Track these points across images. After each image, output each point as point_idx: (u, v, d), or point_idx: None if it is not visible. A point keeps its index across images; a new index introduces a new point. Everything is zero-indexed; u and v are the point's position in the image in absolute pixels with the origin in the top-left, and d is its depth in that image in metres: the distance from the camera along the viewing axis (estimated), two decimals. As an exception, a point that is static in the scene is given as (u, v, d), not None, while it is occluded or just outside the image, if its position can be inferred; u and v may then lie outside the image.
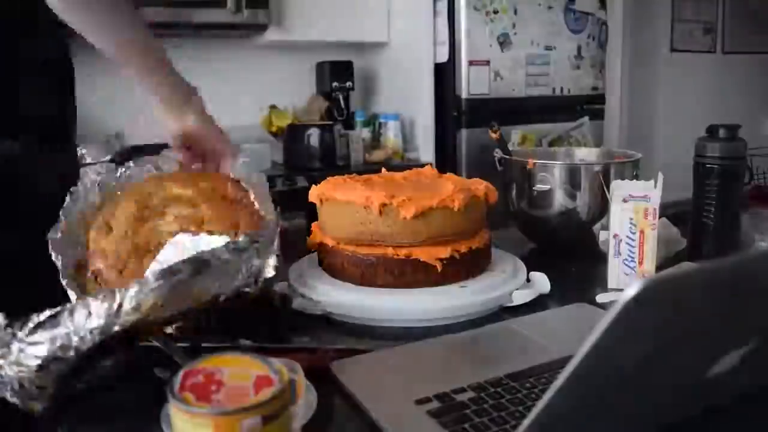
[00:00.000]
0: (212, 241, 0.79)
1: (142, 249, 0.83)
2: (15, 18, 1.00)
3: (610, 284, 0.98)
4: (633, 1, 3.25)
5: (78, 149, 2.44)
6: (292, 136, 2.70)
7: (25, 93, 1.02)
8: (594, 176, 1.12)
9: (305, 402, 0.60)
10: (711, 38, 3.66)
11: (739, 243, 1.05)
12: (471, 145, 2.60)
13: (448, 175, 1.04)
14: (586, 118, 2.86)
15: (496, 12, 2.56)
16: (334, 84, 2.83)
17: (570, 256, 1.15)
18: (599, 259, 1.06)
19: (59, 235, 0.83)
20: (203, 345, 0.74)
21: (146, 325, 0.65)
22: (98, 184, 0.92)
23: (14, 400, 0.62)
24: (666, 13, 3.49)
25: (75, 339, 0.59)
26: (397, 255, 0.90)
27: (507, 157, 1.23)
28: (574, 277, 1.06)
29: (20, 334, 0.59)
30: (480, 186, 0.96)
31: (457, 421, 0.59)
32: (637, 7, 3.30)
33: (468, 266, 0.94)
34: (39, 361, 0.59)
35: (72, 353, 0.60)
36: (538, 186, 1.16)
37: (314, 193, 0.98)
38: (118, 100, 2.74)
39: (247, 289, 0.74)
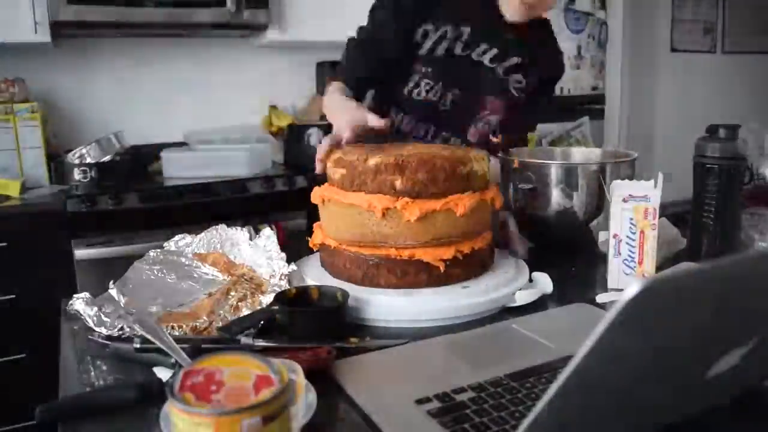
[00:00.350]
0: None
1: None
2: None
3: (610, 284, 0.98)
4: (633, 1, 3.25)
5: (79, 149, 2.44)
6: (292, 136, 2.70)
7: None
8: (591, 175, 1.12)
9: (305, 402, 0.60)
10: (711, 38, 3.66)
11: (739, 243, 1.05)
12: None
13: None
14: (586, 118, 2.86)
15: (496, 12, 2.55)
16: (334, 84, 2.83)
17: (570, 256, 1.15)
18: (599, 259, 1.06)
19: None
20: (203, 345, 0.74)
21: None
22: None
23: None
24: (666, 13, 3.49)
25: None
26: (400, 256, 0.90)
27: (506, 156, 1.23)
28: (574, 277, 1.06)
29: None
30: (489, 193, 0.96)
31: (457, 421, 0.59)
32: (637, 7, 3.30)
33: (471, 267, 0.94)
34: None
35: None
36: (521, 185, 1.16)
37: (316, 194, 0.98)
38: (118, 100, 2.74)
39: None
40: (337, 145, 1.04)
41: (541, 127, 2.72)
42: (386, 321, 0.87)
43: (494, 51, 1.31)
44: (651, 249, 0.95)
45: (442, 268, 0.90)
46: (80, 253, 2.13)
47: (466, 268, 0.93)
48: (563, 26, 2.74)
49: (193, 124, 2.78)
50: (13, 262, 2.08)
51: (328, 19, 2.63)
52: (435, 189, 0.89)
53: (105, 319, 0.82)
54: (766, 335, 0.52)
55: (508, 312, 0.90)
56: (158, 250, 1.04)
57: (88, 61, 2.68)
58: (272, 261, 0.99)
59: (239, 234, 1.07)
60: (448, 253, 0.90)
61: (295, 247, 1.08)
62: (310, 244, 1.01)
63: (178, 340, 0.71)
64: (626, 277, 0.97)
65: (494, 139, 1.34)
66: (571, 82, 2.81)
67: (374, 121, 1.09)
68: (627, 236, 0.96)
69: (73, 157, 2.39)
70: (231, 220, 2.31)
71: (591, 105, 2.88)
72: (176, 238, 1.08)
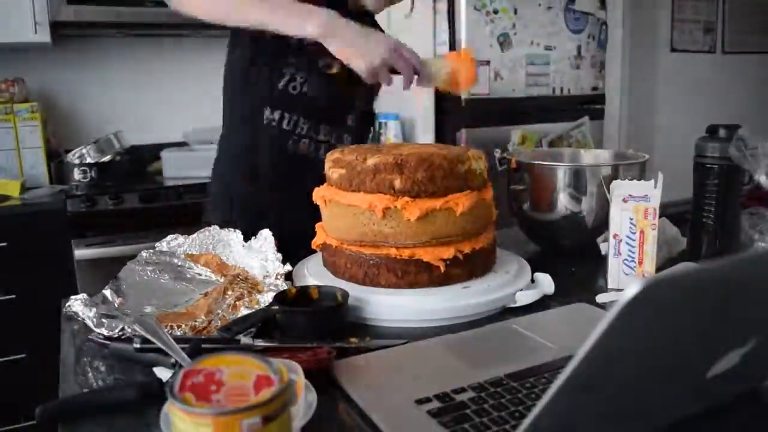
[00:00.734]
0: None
1: None
2: None
3: (610, 284, 0.98)
4: (633, 1, 3.25)
5: (79, 149, 2.44)
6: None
7: None
8: (601, 179, 1.10)
9: (305, 402, 0.60)
10: (711, 38, 3.65)
11: (739, 243, 1.05)
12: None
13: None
14: (586, 118, 2.86)
15: (496, 12, 2.55)
16: (334, 84, 2.82)
17: (570, 256, 1.15)
18: (599, 259, 1.06)
19: None
20: (203, 345, 0.74)
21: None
22: None
23: None
24: (666, 13, 3.49)
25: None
26: (401, 255, 0.90)
27: (507, 157, 1.22)
28: (574, 278, 1.06)
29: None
30: (488, 192, 0.96)
31: (457, 421, 0.59)
32: (637, 7, 3.30)
33: (472, 266, 0.93)
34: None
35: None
36: (513, 186, 1.16)
37: (317, 195, 0.98)
38: (118, 100, 2.74)
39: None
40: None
41: (541, 127, 2.72)
42: (387, 320, 0.87)
43: None
44: (651, 249, 0.95)
45: (442, 268, 0.90)
46: (80, 253, 2.13)
47: (467, 267, 0.93)
48: (563, 26, 2.74)
49: (193, 124, 2.78)
50: (13, 262, 2.08)
51: (328, 19, 2.62)
52: (434, 188, 0.89)
53: (103, 320, 0.82)
54: (766, 335, 0.52)
55: (508, 312, 0.90)
56: (150, 250, 1.04)
57: (88, 61, 2.68)
58: (267, 263, 0.99)
59: (232, 235, 1.07)
60: (448, 252, 0.90)
61: (295, 247, 1.08)
62: (313, 245, 1.01)
63: (178, 340, 0.71)
64: (626, 277, 0.97)
65: (504, 154, 1.31)
66: (571, 82, 2.81)
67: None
68: (627, 236, 0.96)
69: (73, 157, 2.39)
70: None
71: (591, 105, 2.87)
72: (168, 238, 1.08)
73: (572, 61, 2.80)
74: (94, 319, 0.83)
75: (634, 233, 0.95)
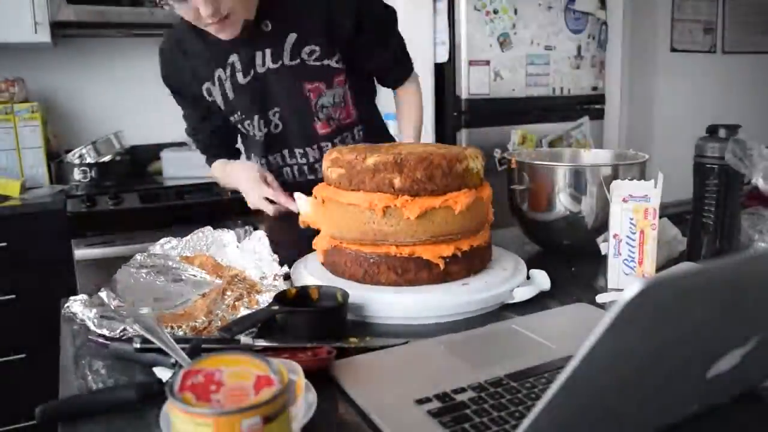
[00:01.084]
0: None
1: None
2: None
3: (610, 284, 0.98)
4: (633, 1, 3.25)
5: (79, 149, 2.44)
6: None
7: None
8: (601, 179, 1.10)
9: (305, 402, 0.60)
10: (711, 38, 3.65)
11: (738, 243, 1.05)
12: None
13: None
14: (586, 118, 2.86)
15: (496, 12, 2.55)
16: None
17: (570, 256, 1.15)
18: (599, 259, 1.06)
19: None
20: (203, 345, 0.74)
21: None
22: None
23: None
24: (666, 13, 3.49)
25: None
26: (400, 253, 0.90)
27: (507, 157, 1.22)
28: (574, 277, 1.06)
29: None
30: (485, 190, 0.97)
31: (457, 421, 0.59)
32: (637, 7, 3.30)
33: (470, 264, 0.94)
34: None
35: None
36: (513, 186, 1.16)
37: (316, 194, 0.98)
38: (118, 100, 2.74)
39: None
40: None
41: (541, 127, 2.72)
42: (387, 318, 0.87)
43: (268, 52, 1.24)
44: (651, 249, 0.95)
45: (441, 266, 0.90)
46: (80, 253, 2.13)
47: (466, 265, 0.93)
48: (563, 26, 2.74)
49: (193, 124, 2.77)
50: (13, 262, 2.08)
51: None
52: (433, 186, 0.89)
53: (103, 320, 0.82)
54: (766, 335, 0.52)
55: (507, 311, 0.90)
56: (144, 253, 1.04)
57: (88, 61, 2.68)
58: (262, 263, 0.99)
59: (226, 236, 1.06)
60: (447, 250, 0.91)
61: (296, 246, 1.08)
62: (313, 245, 1.01)
63: (178, 340, 0.71)
64: (626, 277, 0.97)
65: (504, 154, 1.31)
66: (571, 82, 2.81)
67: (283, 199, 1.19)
68: (627, 236, 0.96)
69: (73, 157, 2.39)
70: (231, 220, 2.32)
71: (591, 105, 2.87)
72: (161, 241, 1.08)
73: (572, 61, 2.80)
74: (95, 320, 0.83)
75: (634, 233, 0.95)
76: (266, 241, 1.02)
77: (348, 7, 1.25)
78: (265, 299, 0.87)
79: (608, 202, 0.98)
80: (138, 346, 0.73)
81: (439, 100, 2.71)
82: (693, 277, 0.40)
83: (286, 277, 0.97)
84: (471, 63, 2.54)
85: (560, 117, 2.80)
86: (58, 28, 2.32)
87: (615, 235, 0.97)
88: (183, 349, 0.69)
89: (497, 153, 2.56)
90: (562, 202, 1.13)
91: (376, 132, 1.41)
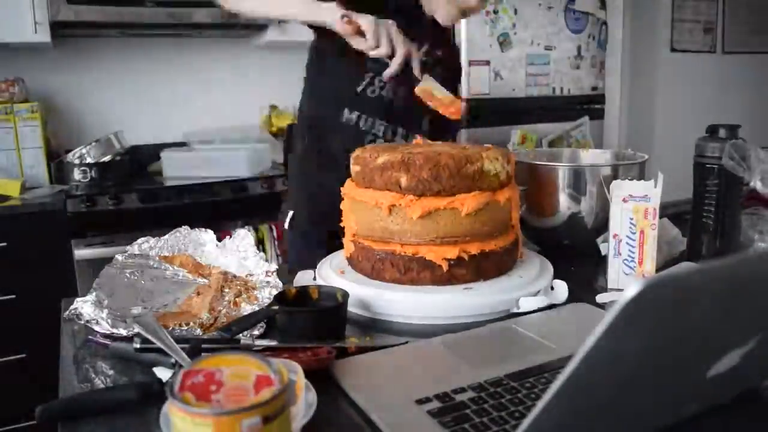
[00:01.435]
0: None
1: None
2: None
3: (610, 284, 0.98)
4: (633, 1, 3.25)
5: (79, 149, 2.44)
6: (292, 136, 2.70)
7: None
8: (600, 179, 1.10)
9: (305, 402, 0.60)
10: (711, 38, 3.65)
11: (739, 243, 1.05)
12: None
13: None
14: (586, 118, 2.86)
15: (496, 12, 2.55)
16: (334, 84, 2.83)
17: (570, 256, 1.15)
18: (599, 259, 1.06)
19: None
20: (203, 345, 0.74)
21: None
22: None
23: None
24: (666, 13, 3.49)
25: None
26: (404, 252, 0.91)
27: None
28: (574, 277, 1.06)
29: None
30: (504, 193, 0.94)
31: (457, 421, 0.59)
32: (637, 7, 3.30)
33: (479, 268, 0.92)
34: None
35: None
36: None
37: (343, 190, 1.00)
38: (118, 100, 2.74)
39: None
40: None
41: (541, 127, 2.72)
42: (387, 315, 0.89)
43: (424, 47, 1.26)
44: (651, 249, 0.95)
45: (445, 268, 0.90)
46: (80, 253, 2.13)
47: (473, 269, 0.92)
48: (563, 26, 2.74)
49: (193, 124, 2.78)
50: (13, 262, 2.08)
51: (328, 19, 2.62)
52: (438, 187, 0.89)
53: (103, 320, 0.82)
54: (766, 335, 0.52)
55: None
56: (124, 254, 1.03)
57: (88, 61, 2.68)
58: (247, 261, 0.99)
59: (204, 235, 1.06)
60: (452, 252, 0.90)
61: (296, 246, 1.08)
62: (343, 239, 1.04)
63: (178, 340, 0.71)
64: (626, 277, 0.97)
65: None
66: (571, 82, 2.81)
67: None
68: (627, 236, 0.96)
69: (73, 157, 2.39)
70: (231, 220, 2.32)
71: (591, 105, 2.87)
72: (139, 241, 1.06)
73: (572, 61, 2.80)
74: (108, 320, 0.82)
75: (634, 233, 0.95)
76: (250, 239, 1.02)
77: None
78: (263, 295, 0.88)
79: (608, 202, 0.98)
80: (138, 346, 0.73)
81: (438, 100, 2.70)
82: (693, 277, 0.40)
83: (284, 275, 0.98)
84: (471, 63, 2.54)
85: (560, 117, 2.80)
86: (58, 28, 2.32)
87: (615, 235, 0.97)
88: (183, 349, 0.69)
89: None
90: (562, 203, 1.13)
91: None
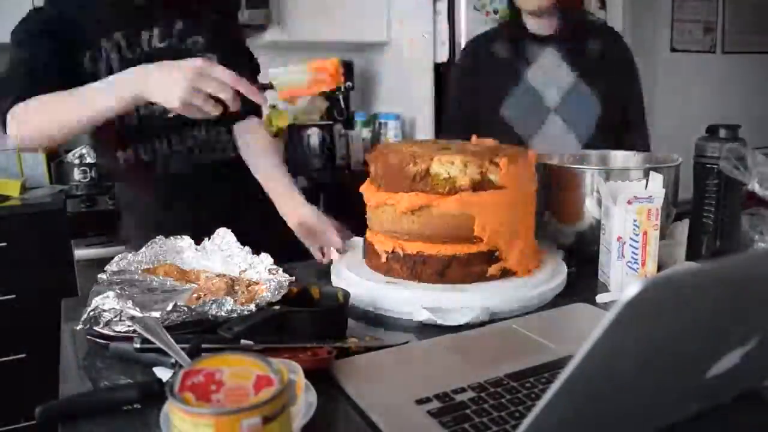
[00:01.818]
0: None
1: None
2: None
3: (613, 287, 0.98)
4: (633, 1, 3.25)
5: (79, 149, 2.43)
6: (292, 136, 2.70)
7: None
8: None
9: (305, 402, 0.60)
10: (711, 38, 3.65)
11: (739, 243, 1.05)
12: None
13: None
14: (586, 118, 2.85)
15: (496, 12, 2.55)
16: (334, 84, 2.83)
17: (570, 256, 1.15)
18: (599, 259, 1.06)
19: None
20: (203, 345, 0.74)
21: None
22: None
23: None
24: (666, 13, 3.49)
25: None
26: (405, 250, 0.93)
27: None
28: (574, 277, 1.06)
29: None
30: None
31: (457, 421, 0.59)
32: (637, 7, 3.30)
33: (413, 269, 0.93)
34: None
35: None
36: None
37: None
38: (118, 100, 2.74)
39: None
40: None
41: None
42: (385, 312, 0.90)
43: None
44: (653, 249, 0.95)
45: (441, 266, 0.91)
46: (80, 253, 2.13)
47: (408, 269, 0.93)
48: (563, 26, 2.73)
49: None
50: (13, 262, 2.08)
51: (328, 19, 2.63)
52: (383, 182, 0.95)
53: (131, 309, 0.80)
54: (766, 335, 0.52)
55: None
56: (105, 273, 0.99)
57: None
58: (231, 259, 0.99)
59: (180, 242, 1.05)
60: (388, 245, 0.95)
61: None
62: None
63: (178, 340, 0.71)
64: (628, 278, 0.97)
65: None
66: (571, 82, 2.81)
67: None
68: (631, 238, 0.95)
69: (73, 157, 2.39)
70: (231, 220, 2.31)
71: (591, 105, 2.88)
72: (116, 258, 1.02)
73: (572, 61, 2.80)
74: (93, 319, 0.81)
75: (638, 235, 0.95)
76: (232, 237, 1.01)
77: None
78: (267, 289, 0.86)
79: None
80: (138, 346, 0.73)
81: (439, 100, 2.71)
82: (693, 277, 0.40)
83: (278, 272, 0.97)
84: (471, 63, 2.54)
85: (560, 117, 2.79)
86: (58, 28, 2.31)
87: (618, 238, 0.96)
88: (183, 349, 0.69)
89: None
90: (589, 210, 1.08)
91: None
